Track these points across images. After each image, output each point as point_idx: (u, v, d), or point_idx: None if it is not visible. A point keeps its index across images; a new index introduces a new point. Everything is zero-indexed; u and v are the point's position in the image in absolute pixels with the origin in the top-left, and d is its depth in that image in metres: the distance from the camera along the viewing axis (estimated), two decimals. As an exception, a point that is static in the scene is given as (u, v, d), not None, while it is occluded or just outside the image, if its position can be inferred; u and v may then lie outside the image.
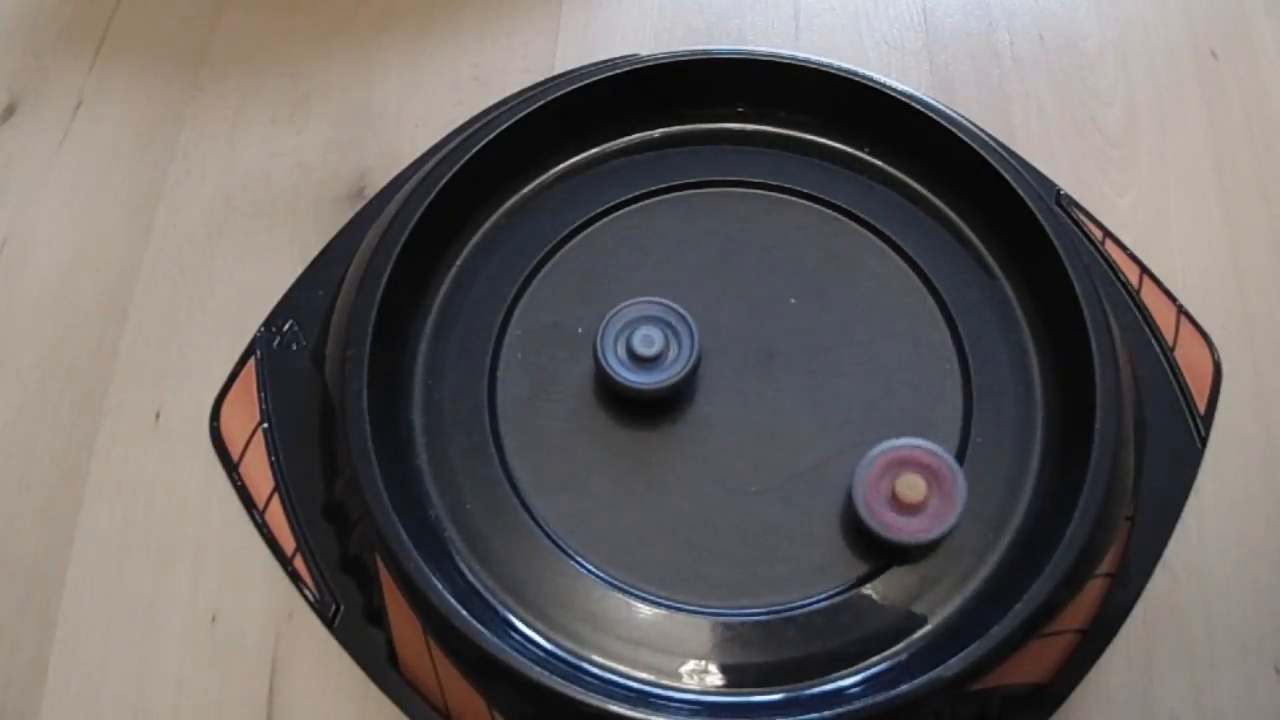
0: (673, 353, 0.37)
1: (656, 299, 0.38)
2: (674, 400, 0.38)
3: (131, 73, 0.48)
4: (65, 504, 0.39)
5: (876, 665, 0.34)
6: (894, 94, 0.41)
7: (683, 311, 0.37)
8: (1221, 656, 0.37)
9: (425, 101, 0.47)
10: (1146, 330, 0.42)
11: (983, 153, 0.39)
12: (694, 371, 0.37)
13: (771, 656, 0.34)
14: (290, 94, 0.47)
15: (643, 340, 0.37)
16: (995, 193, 0.39)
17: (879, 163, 0.42)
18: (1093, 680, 0.37)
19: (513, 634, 0.34)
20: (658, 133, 0.43)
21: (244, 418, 0.40)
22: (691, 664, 0.34)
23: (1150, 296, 0.42)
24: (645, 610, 0.35)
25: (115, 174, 0.46)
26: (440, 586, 0.32)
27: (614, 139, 0.43)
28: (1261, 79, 0.49)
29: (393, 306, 0.37)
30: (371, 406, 0.35)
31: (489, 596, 0.35)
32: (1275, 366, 0.42)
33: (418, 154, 0.45)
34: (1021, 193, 0.39)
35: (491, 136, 0.40)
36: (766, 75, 0.42)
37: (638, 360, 0.37)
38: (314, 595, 0.37)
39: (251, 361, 0.41)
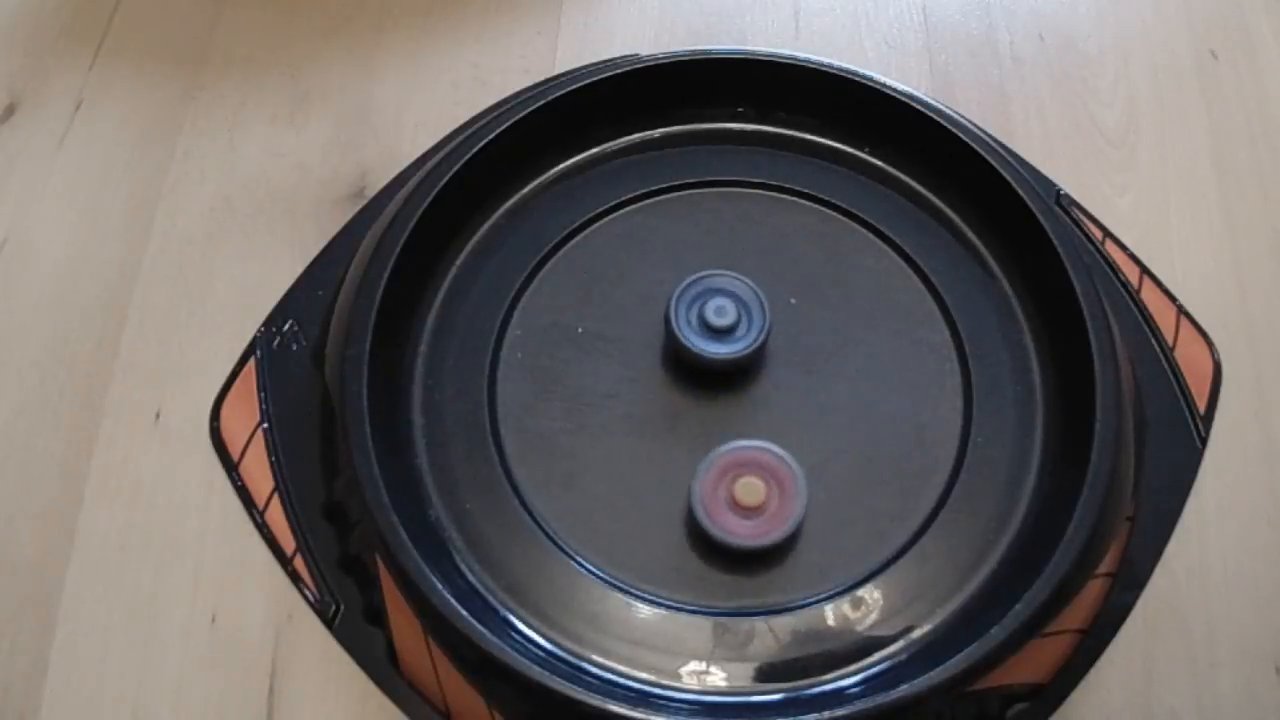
0: (744, 325, 0.37)
1: (726, 271, 0.38)
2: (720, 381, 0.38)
3: (131, 73, 0.48)
4: (65, 504, 0.39)
5: (876, 665, 0.34)
6: (894, 94, 0.41)
7: (753, 285, 0.38)
8: (1221, 656, 0.37)
9: (425, 101, 0.47)
10: (1146, 330, 0.42)
11: (983, 153, 0.39)
12: (765, 343, 0.38)
13: (771, 656, 0.34)
14: (290, 94, 0.47)
15: (716, 311, 0.37)
16: (995, 193, 0.39)
17: (879, 163, 0.42)
18: (1093, 680, 0.37)
19: (513, 634, 0.34)
20: (658, 133, 0.43)
21: (244, 418, 0.40)
22: (691, 664, 0.34)
23: (1150, 296, 0.42)
24: (645, 610, 0.35)
25: (115, 174, 0.46)
26: (440, 586, 0.32)
27: (614, 139, 0.43)
28: (1261, 79, 0.49)
29: (393, 306, 0.37)
30: (371, 406, 0.35)
31: (489, 596, 0.35)
32: (1275, 366, 0.42)
33: (418, 154, 0.45)
34: (1021, 193, 0.39)
35: (491, 136, 0.40)
36: (766, 75, 0.42)
37: (710, 330, 0.37)
38: (314, 595, 0.37)
39: (251, 361, 0.41)
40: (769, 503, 0.35)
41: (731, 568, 0.36)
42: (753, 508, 0.35)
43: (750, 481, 0.35)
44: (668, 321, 0.38)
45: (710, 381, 0.39)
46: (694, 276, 0.38)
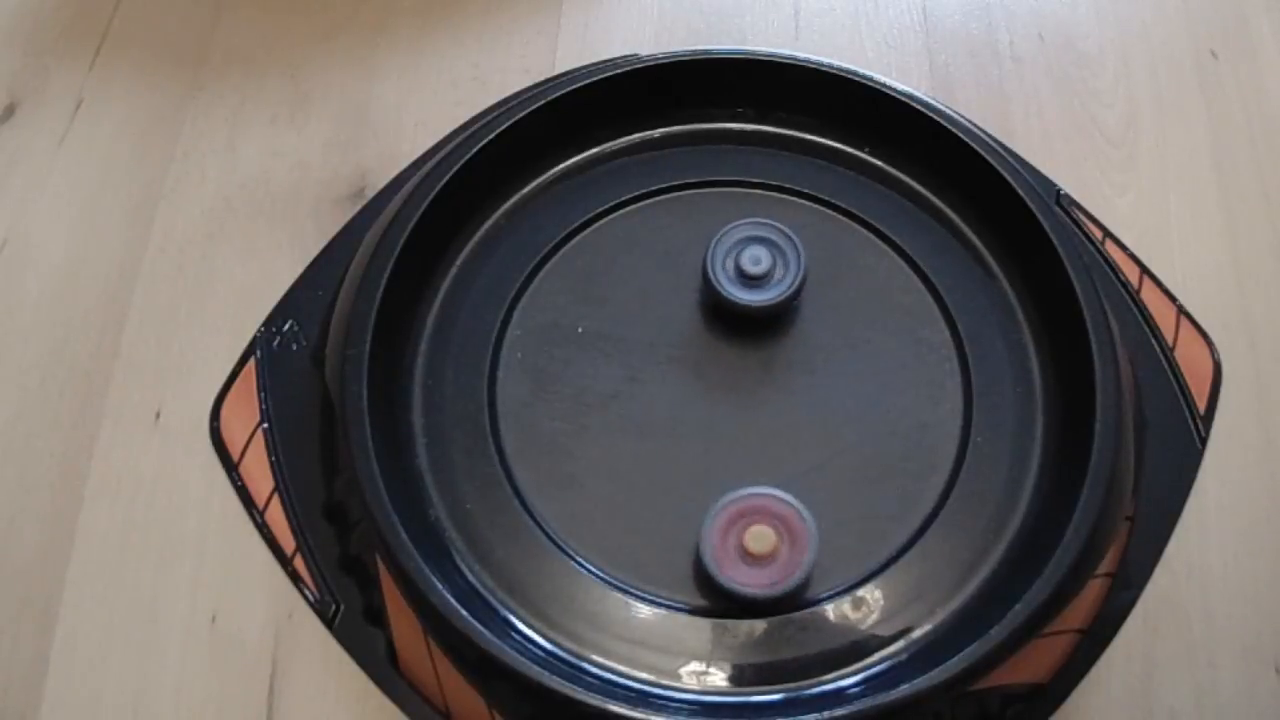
0: (779, 272, 0.38)
1: (761, 219, 0.39)
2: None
3: (131, 73, 0.48)
4: (65, 504, 0.39)
5: (876, 665, 0.34)
6: (894, 94, 0.41)
7: (789, 232, 0.38)
8: (1221, 656, 0.37)
9: (425, 101, 0.47)
10: (1146, 330, 0.42)
11: (983, 153, 0.39)
12: (799, 290, 0.38)
13: (771, 656, 0.34)
14: (290, 94, 0.47)
15: (750, 259, 0.38)
16: (995, 193, 0.39)
17: (879, 163, 0.42)
18: (1093, 680, 0.37)
19: (513, 634, 0.34)
20: (658, 133, 0.43)
21: (244, 418, 0.40)
22: (691, 664, 0.34)
23: (1150, 296, 0.42)
24: (645, 610, 0.35)
25: (115, 174, 0.46)
26: (440, 586, 0.32)
27: (614, 139, 0.43)
28: (1261, 79, 0.48)
29: (393, 306, 0.37)
30: (371, 406, 0.35)
31: (489, 596, 0.35)
32: (1275, 366, 0.42)
33: (418, 154, 0.45)
34: (1021, 193, 0.39)
35: (491, 136, 0.40)
36: (766, 75, 0.42)
37: (746, 279, 0.38)
38: (314, 595, 0.37)
39: (251, 361, 0.41)
40: (780, 550, 0.34)
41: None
42: (764, 556, 0.34)
43: (760, 530, 0.34)
44: (705, 272, 0.38)
45: (710, 381, 0.39)
46: (729, 226, 0.39)
